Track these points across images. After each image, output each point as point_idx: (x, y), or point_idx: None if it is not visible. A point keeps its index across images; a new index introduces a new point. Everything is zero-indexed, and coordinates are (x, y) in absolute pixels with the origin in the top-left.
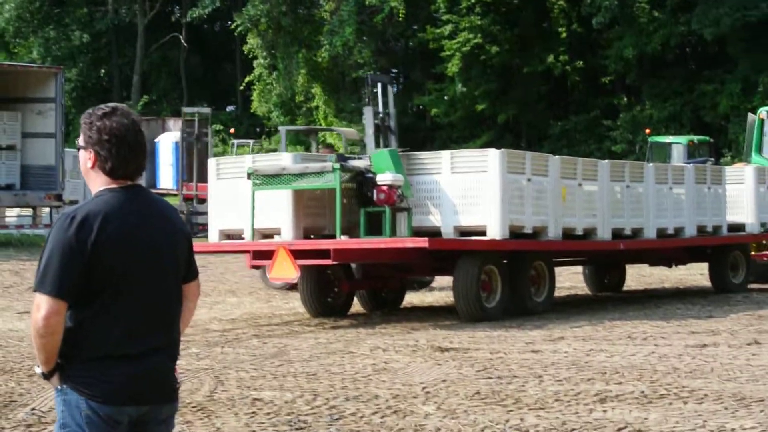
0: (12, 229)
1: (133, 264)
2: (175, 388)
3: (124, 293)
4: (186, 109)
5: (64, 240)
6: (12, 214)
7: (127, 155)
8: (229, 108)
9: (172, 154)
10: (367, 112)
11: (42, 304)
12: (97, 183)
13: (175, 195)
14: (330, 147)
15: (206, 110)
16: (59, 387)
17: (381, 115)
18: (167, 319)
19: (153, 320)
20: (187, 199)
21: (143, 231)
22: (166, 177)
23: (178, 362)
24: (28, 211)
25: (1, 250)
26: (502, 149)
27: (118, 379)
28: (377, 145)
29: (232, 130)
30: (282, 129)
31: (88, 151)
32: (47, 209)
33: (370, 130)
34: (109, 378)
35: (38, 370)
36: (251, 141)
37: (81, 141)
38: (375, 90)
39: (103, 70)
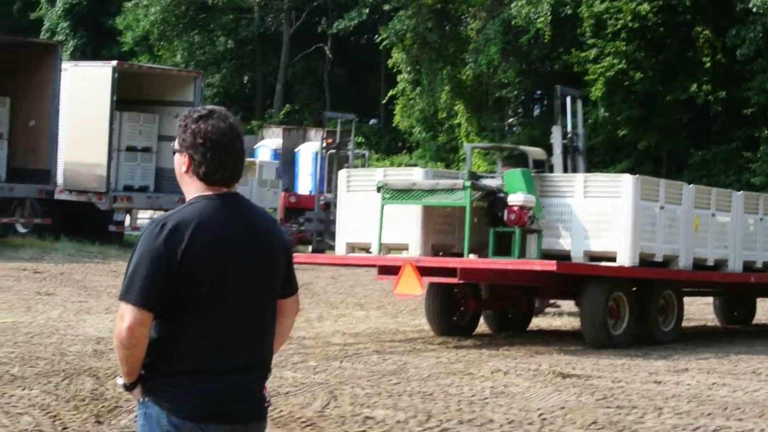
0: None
1: (225, 276)
2: (263, 407)
3: (214, 306)
4: (329, 114)
5: (152, 248)
6: (145, 216)
7: (222, 160)
8: (372, 121)
9: (312, 163)
10: (556, 132)
11: (126, 314)
12: (192, 189)
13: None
14: (511, 163)
15: (350, 116)
16: (141, 399)
17: (570, 135)
18: (258, 334)
19: (243, 335)
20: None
21: (237, 241)
22: (305, 187)
23: (288, 376)
24: (161, 213)
25: (131, 251)
26: (637, 175)
27: (203, 395)
28: (565, 168)
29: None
30: (468, 146)
31: (183, 155)
32: None
33: (558, 150)
34: (194, 393)
35: (120, 381)
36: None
37: (176, 144)
38: (564, 105)
39: (246, 77)
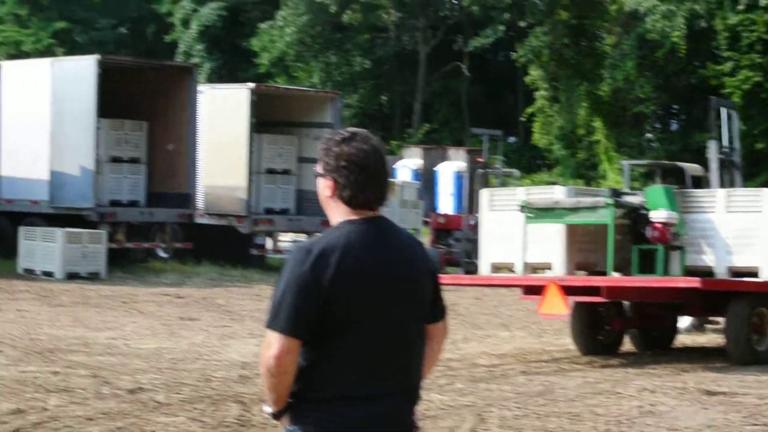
0: (285, 254)
1: (372, 301)
2: None
3: (362, 332)
4: (475, 131)
5: (299, 275)
6: (286, 239)
7: (366, 183)
8: (511, 139)
9: (453, 183)
10: (711, 146)
11: (274, 341)
12: (337, 213)
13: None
14: (672, 179)
15: (496, 132)
16: (289, 428)
17: (725, 150)
18: (406, 360)
19: (391, 361)
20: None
21: (384, 267)
22: (446, 207)
23: (435, 399)
24: (303, 237)
25: (273, 274)
26: None
27: (351, 422)
28: (722, 183)
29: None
30: (625, 164)
31: (327, 179)
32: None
33: (714, 165)
34: (342, 420)
35: (267, 409)
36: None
37: (319, 168)
38: (718, 118)
39: (384, 97)
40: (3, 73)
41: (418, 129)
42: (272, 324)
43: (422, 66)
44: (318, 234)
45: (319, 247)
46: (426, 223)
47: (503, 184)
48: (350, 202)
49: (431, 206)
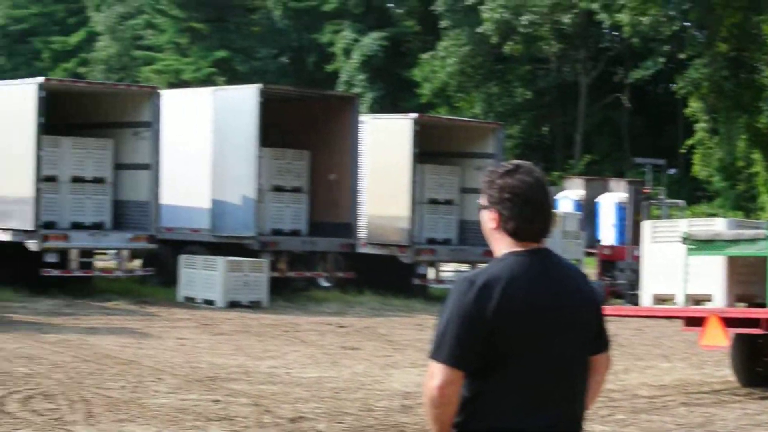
0: (447, 284)
1: (536, 333)
2: None
3: (525, 363)
4: (638, 160)
5: (462, 306)
6: (448, 269)
7: (530, 215)
8: (671, 170)
9: (615, 214)
10: None
11: (437, 372)
12: (501, 245)
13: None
14: None
15: (660, 162)
16: None
17: None
18: (568, 391)
19: (554, 392)
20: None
21: (548, 298)
22: (608, 238)
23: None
24: (465, 267)
25: (435, 304)
26: None
27: None
28: None
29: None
30: None
31: (491, 211)
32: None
33: None
34: None
35: None
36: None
37: (483, 201)
38: None
39: (545, 128)
40: (164, 101)
41: (578, 160)
42: (435, 355)
43: (583, 97)
44: (481, 264)
45: (483, 279)
46: (588, 254)
47: (669, 216)
48: (515, 234)
49: (592, 237)
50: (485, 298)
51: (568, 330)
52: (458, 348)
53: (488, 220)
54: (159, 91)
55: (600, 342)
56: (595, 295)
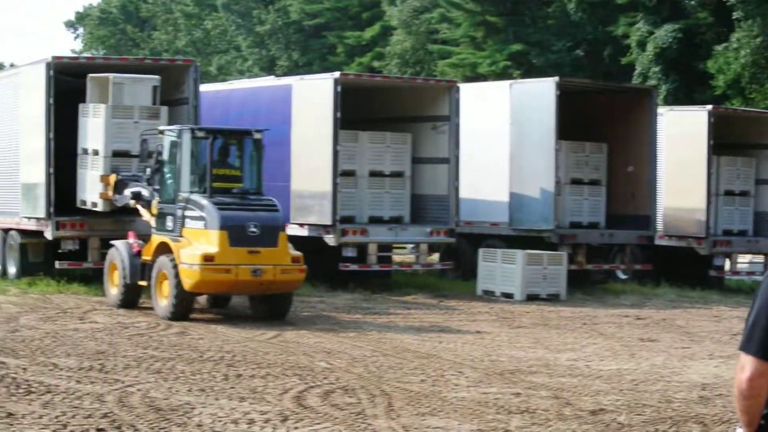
0: (743, 276)
1: None
2: None
3: None
4: None
5: None
6: (744, 261)
7: None
8: None
9: None
10: None
11: (747, 364)
12: None
13: None
14: None
15: None
16: None
17: None
18: None
19: None
20: None
21: None
22: None
23: None
24: (760, 258)
25: (732, 296)
26: None
27: None
28: None
29: None
30: None
31: None
32: None
33: None
34: None
35: (740, 431)
36: None
37: None
38: None
39: None
40: (461, 95)
41: None
42: (746, 347)
43: None
44: None
45: None
46: None
47: None
48: None
49: None
50: None
51: None
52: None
53: None
54: (458, 84)
55: None
56: None
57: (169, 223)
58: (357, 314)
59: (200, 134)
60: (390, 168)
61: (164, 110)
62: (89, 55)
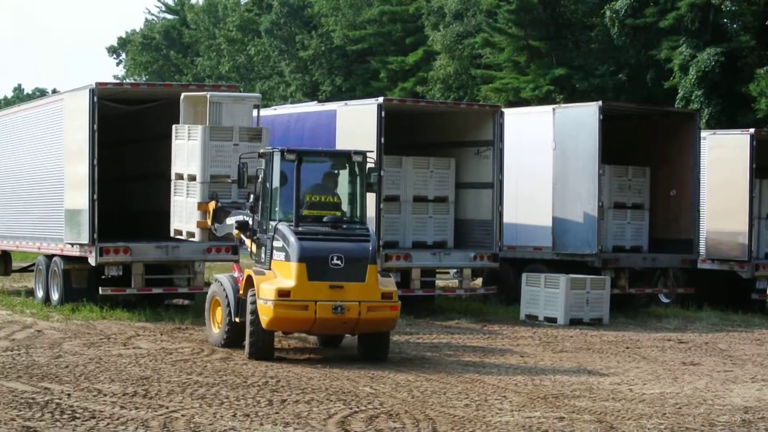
0: None
1: None
2: None
3: None
4: None
5: None
6: None
7: None
8: None
9: None
10: None
11: None
12: None
13: None
14: None
15: None
16: None
17: None
18: None
19: None
20: None
21: None
22: None
23: None
24: None
25: None
26: None
27: None
28: None
29: None
30: None
31: None
32: None
33: None
34: None
35: None
36: None
37: None
38: None
39: None
40: (505, 119)
41: None
42: None
43: None
44: None
45: None
46: None
47: None
48: None
49: None
50: None
51: None
52: None
53: None
54: (502, 109)
55: None
56: None
57: (262, 254)
58: (401, 338)
59: (290, 157)
60: (434, 193)
61: (266, 132)
62: (133, 81)
